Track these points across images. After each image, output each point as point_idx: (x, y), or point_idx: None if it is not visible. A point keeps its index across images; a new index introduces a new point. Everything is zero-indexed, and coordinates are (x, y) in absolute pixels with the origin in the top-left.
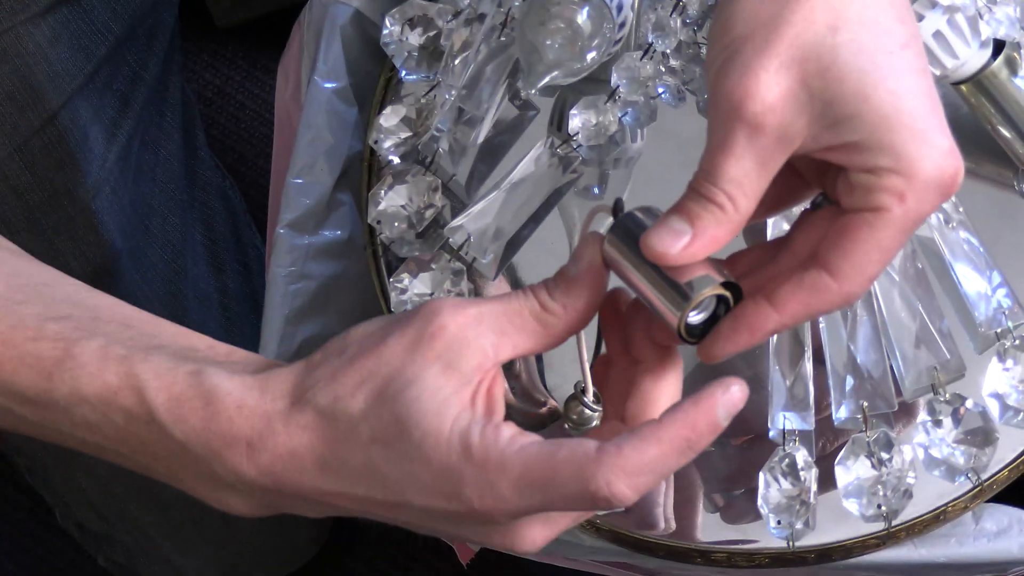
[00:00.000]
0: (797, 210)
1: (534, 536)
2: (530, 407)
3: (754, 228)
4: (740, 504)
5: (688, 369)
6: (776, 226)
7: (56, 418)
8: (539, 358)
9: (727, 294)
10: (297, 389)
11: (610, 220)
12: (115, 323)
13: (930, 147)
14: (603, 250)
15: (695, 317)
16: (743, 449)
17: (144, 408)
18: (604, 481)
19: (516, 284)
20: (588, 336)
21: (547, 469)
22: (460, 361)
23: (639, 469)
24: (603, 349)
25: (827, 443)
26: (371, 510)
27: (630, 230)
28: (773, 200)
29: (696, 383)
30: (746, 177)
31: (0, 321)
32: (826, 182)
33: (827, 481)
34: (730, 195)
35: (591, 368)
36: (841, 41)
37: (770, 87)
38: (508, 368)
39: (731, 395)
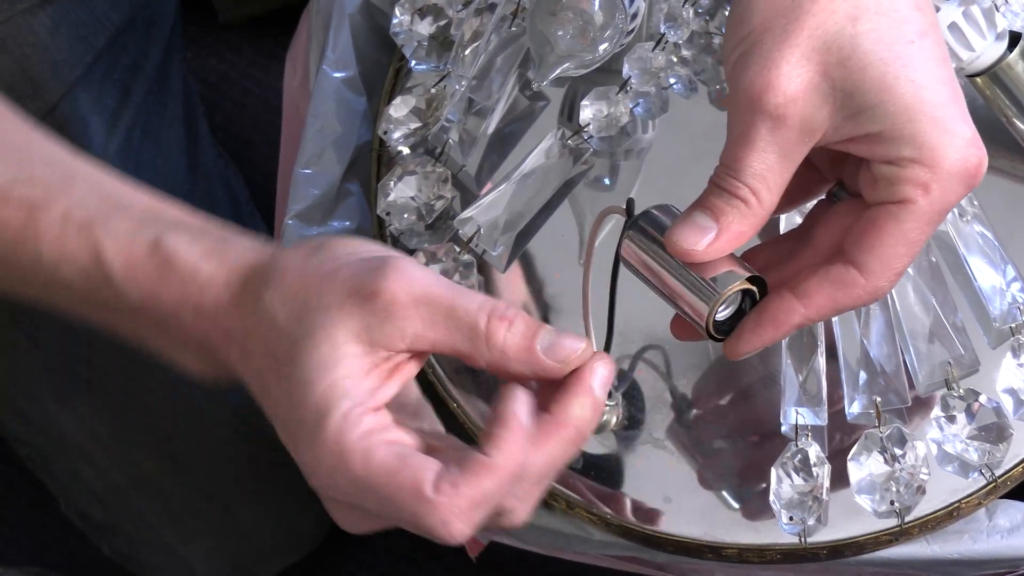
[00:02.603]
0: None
1: (347, 519)
2: None
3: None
4: (752, 500)
5: (698, 365)
6: (789, 220)
7: (24, 278)
8: None
9: (753, 288)
10: (252, 271)
11: (619, 220)
12: (86, 186)
13: (953, 136)
14: (621, 249)
15: (721, 314)
16: (755, 444)
17: (101, 272)
18: (440, 521)
19: (527, 276)
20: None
21: (385, 485)
22: (377, 331)
23: (475, 504)
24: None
25: (840, 439)
26: (267, 412)
27: (649, 228)
28: (789, 195)
29: (707, 378)
30: (769, 171)
31: None
32: (843, 174)
33: (840, 477)
34: (754, 189)
35: None
36: (861, 31)
37: (791, 78)
38: None
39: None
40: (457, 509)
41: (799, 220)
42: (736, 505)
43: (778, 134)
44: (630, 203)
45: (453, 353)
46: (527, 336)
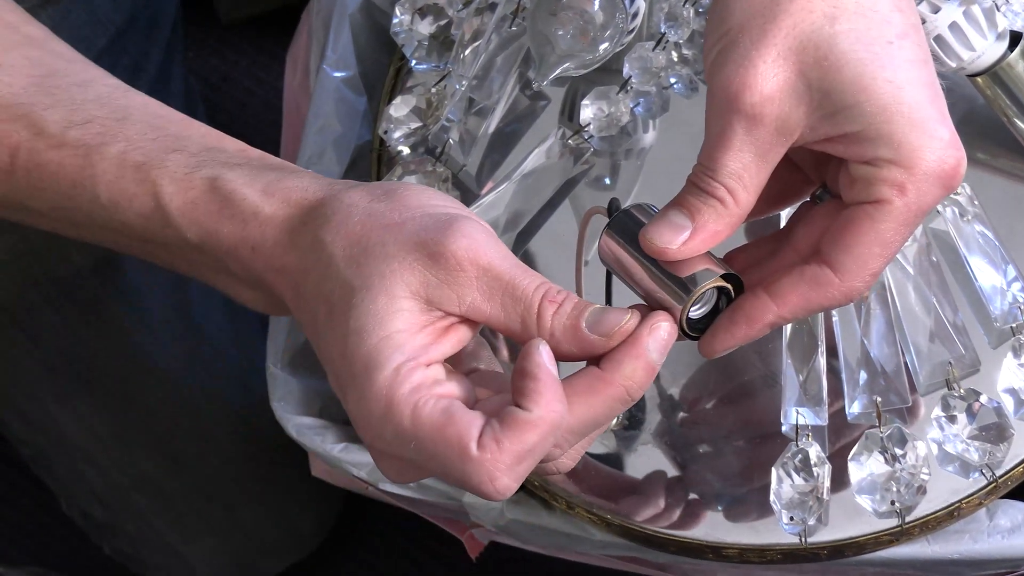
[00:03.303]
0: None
1: (389, 468)
2: None
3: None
4: (753, 500)
5: (698, 364)
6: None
7: (81, 220)
8: None
9: (728, 286)
10: (312, 208)
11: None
12: (141, 124)
13: (930, 137)
14: (600, 247)
15: (696, 312)
16: (756, 444)
17: (160, 212)
18: (487, 478)
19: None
20: None
21: (431, 441)
22: (436, 291)
23: (520, 458)
24: None
25: (840, 439)
26: (318, 355)
27: (627, 226)
28: (774, 196)
29: (707, 377)
30: (745, 170)
31: (27, 128)
32: (827, 175)
33: (840, 477)
34: (730, 188)
35: None
36: (839, 30)
37: (767, 78)
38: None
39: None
40: (503, 465)
41: None
42: (737, 505)
43: (754, 134)
44: (613, 202)
45: (505, 331)
46: (573, 316)
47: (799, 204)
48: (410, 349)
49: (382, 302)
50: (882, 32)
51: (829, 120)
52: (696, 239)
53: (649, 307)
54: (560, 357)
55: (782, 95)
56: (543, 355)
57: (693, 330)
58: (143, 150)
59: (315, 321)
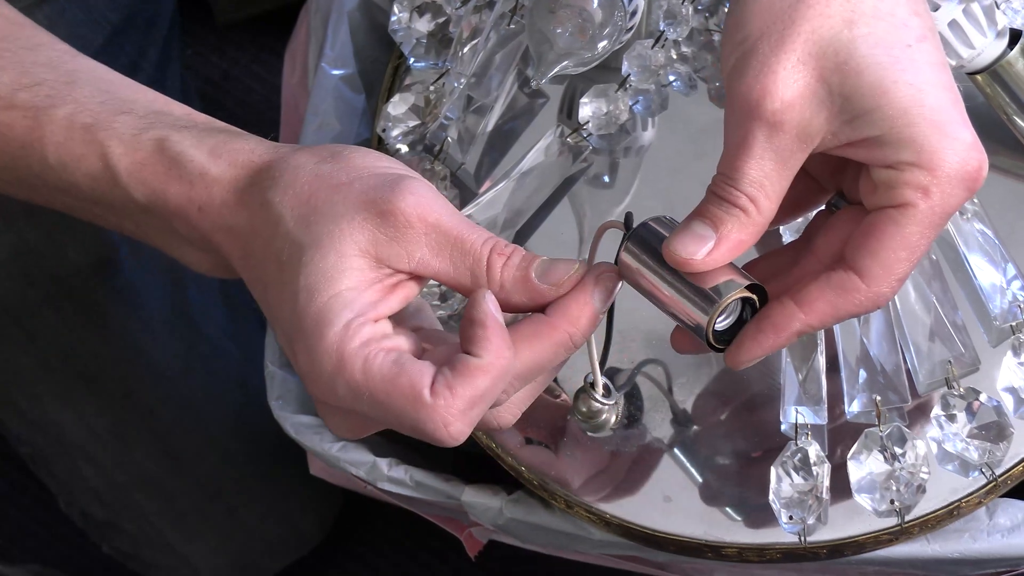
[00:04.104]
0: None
1: (338, 424)
2: (541, 398)
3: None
4: (752, 499)
5: (696, 364)
6: (790, 234)
7: (31, 182)
8: None
9: (753, 296)
10: (260, 169)
11: (617, 231)
12: (90, 87)
13: (952, 140)
14: (620, 261)
15: (721, 324)
16: (755, 443)
17: (108, 173)
18: (441, 423)
19: None
20: (598, 330)
21: (383, 392)
22: (385, 248)
23: (472, 403)
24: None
25: (840, 437)
26: (266, 314)
27: (647, 239)
28: (788, 206)
29: (706, 377)
30: (767, 178)
31: None
32: (843, 182)
33: (840, 476)
34: (752, 197)
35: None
36: (858, 35)
37: (788, 84)
38: None
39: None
40: (455, 410)
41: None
42: (736, 504)
43: (775, 140)
44: (628, 217)
45: (454, 285)
46: (522, 267)
47: (815, 213)
48: (359, 306)
49: (331, 260)
50: (901, 36)
51: (850, 125)
52: (720, 250)
53: (675, 320)
54: (510, 308)
55: (803, 101)
56: (489, 304)
57: (718, 342)
58: (91, 112)
59: (264, 280)
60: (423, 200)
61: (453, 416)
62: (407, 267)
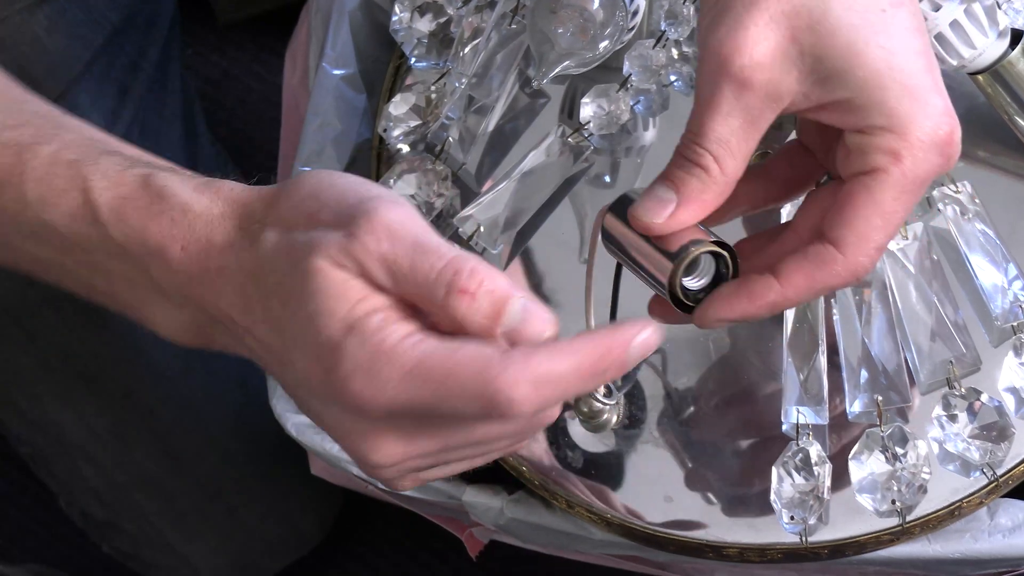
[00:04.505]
0: None
1: (389, 450)
2: None
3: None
4: (753, 499)
5: (699, 364)
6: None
7: (7, 230)
8: None
9: (722, 252)
10: (247, 209)
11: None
12: (75, 132)
13: (924, 104)
14: (602, 233)
15: (694, 283)
16: (756, 443)
17: (88, 209)
18: (509, 382)
19: (527, 274)
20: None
21: (446, 363)
22: (365, 262)
23: (546, 378)
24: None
25: (841, 437)
26: (270, 362)
27: (624, 209)
28: (789, 183)
29: (708, 376)
30: (733, 135)
31: None
32: (829, 160)
33: (841, 476)
34: (716, 155)
35: None
36: None
37: (758, 42)
38: None
39: (646, 337)
40: (529, 374)
41: None
42: (737, 504)
43: (744, 99)
44: (623, 196)
45: (420, 303)
46: (490, 317)
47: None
48: (380, 305)
49: (330, 281)
50: (876, 0)
51: (821, 86)
52: (682, 211)
53: (649, 286)
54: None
55: (773, 60)
56: (649, 336)
57: (692, 302)
58: (77, 150)
59: (270, 316)
60: (380, 225)
61: (523, 378)
62: (389, 283)
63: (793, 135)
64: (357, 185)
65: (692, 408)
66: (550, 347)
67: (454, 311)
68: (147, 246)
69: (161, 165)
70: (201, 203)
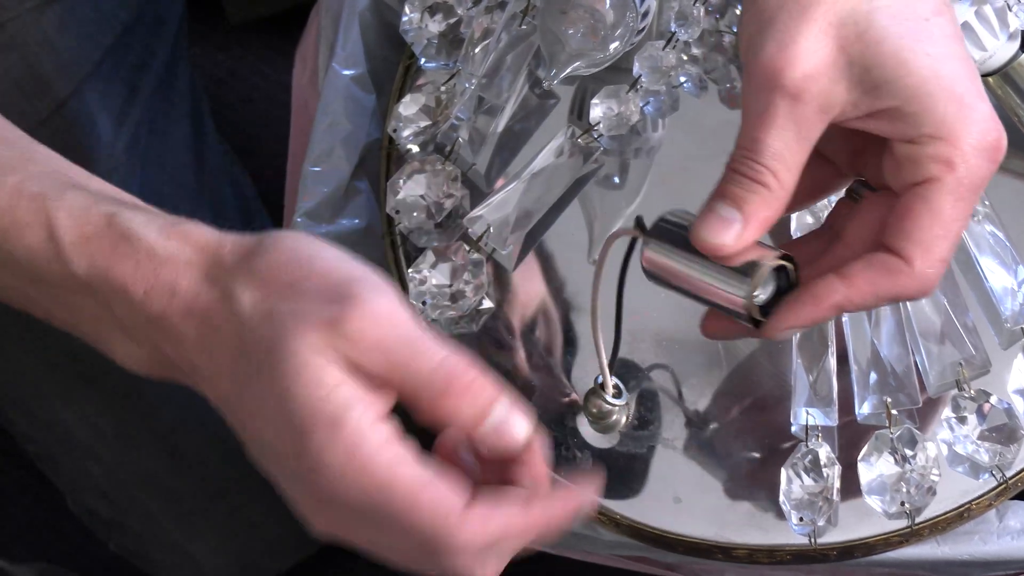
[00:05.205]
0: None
1: (327, 518)
2: (553, 399)
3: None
4: (762, 500)
5: (708, 365)
6: (800, 220)
7: None
8: (563, 352)
9: (788, 265)
10: (215, 258)
11: (625, 237)
12: (44, 165)
13: (971, 110)
14: (645, 259)
15: (760, 297)
16: (765, 445)
17: (51, 244)
18: (460, 544)
19: (536, 274)
20: (607, 332)
21: (414, 496)
22: (353, 354)
23: (493, 543)
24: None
25: (850, 439)
26: (228, 413)
27: (669, 233)
28: (806, 190)
29: (717, 378)
30: (787, 149)
31: None
32: (864, 167)
33: (850, 478)
34: (773, 170)
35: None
36: (877, 6)
37: (809, 54)
38: (531, 360)
39: (587, 507)
40: (481, 540)
41: (810, 220)
42: (746, 505)
43: (797, 111)
44: (639, 220)
45: (408, 398)
46: (476, 418)
47: (837, 202)
48: (359, 396)
49: (308, 359)
50: (917, 10)
51: (870, 95)
52: (748, 229)
53: (709, 305)
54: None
55: (824, 71)
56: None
57: (762, 316)
58: (41, 184)
59: (236, 373)
60: (372, 307)
61: (476, 546)
62: (377, 371)
63: None
64: (342, 262)
65: (702, 409)
66: (507, 512)
67: (445, 409)
68: (111, 284)
69: (127, 202)
70: (168, 248)
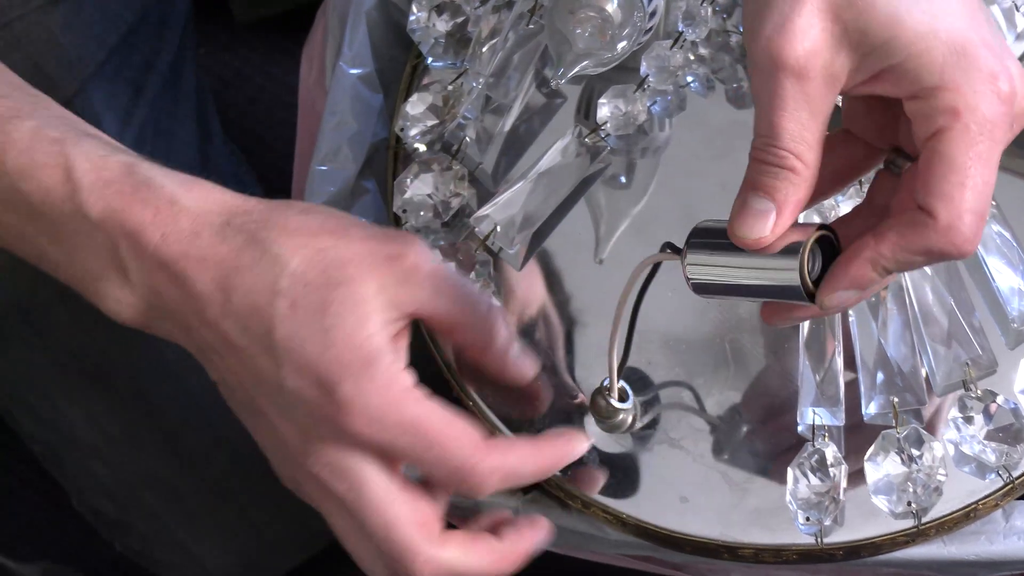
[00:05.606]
0: (830, 202)
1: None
2: (559, 398)
3: None
4: (769, 500)
5: (713, 364)
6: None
7: None
8: (569, 352)
9: (828, 234)
10: (236, 212)
11: (636, 255)
12: (55, 111)
13: (973, 57)
14: (688, 272)
15: (811, 274)
16: (772, 444)
17: (67, 187)
18: (487, 469)
19: (542, 275)
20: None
21: (441, 429)
22: (394, 291)
23: (513, 473)
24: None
25: (857, 439)
26: (227, 361)
27: (705, 239)
28: (839, 173)
29: (723, 377)
30: (805, 129)
31: None
32: (898, 137)
33: (857, 477)
34: (797, 153)
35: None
36: None
37: (807, 31)
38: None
39: (580, 448)
40: (504, 466)
41: (816, 219)
42: (753, 505)
43: (805, 88)
44: (669, 244)
45: (447, 321)
46: (511, 336)
47: (876, 176)
48: (388, 344)
49: (356, 301)
50: None
51: (870, 58)
52: (784, 216)
53: (766, 298)
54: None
55: (824, 44)
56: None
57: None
58: (59, 129)
59: (271, 310)
60: (424, 248)
61: (497, 469)
62: (412, 309)
63: None
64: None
65: (708, 409)
66: (521, 449)
67: (494, 324)
68: (124, 228)
69: (140, 156)
70: (189, 198)
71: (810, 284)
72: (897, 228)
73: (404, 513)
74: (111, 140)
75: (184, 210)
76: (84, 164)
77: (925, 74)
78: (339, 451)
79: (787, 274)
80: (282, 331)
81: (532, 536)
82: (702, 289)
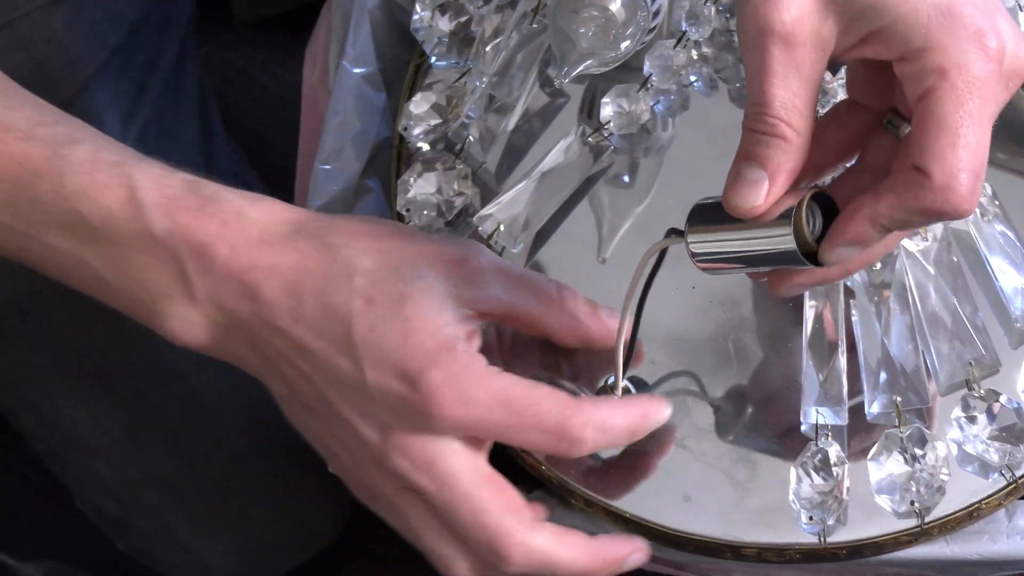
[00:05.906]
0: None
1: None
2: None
3: None
4: (772, 499)
5: (718, 363)
6: None
7: (33, 218)
8: (572, 351)
9: (822, 193)
10: (302, 222)
11: (638, 246)
12: (107, 138)
13: (958, 16)
14: (692, 254)
15: (812, 234)
16: (775, 443)
17: (130, 206)
18: (580, 423)
19: (545, 273)
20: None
21: (530, 396)
22: (465, 291)
23: (606, 427)
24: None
25: (860, 438)
26: (301, 380)
27: (704, 215)
28: (846, 142)
29: (727, 376)
30: (796, 95)
31: None
32: (895, 101)
33: (860, 477)
34: (788, 120)
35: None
36: None
37: None
38: (543, 358)
39: (664, 411)
40: (597, 421)
41: None
42: (756, 504)
43: (794, 55)
44: (672, 229)
45: (524, 315)
46: (588, 303)
47: (878, 137)
48: (464, 334)
49: (432, 299)
50: None
51: (857, 22)
52: (777, 184)
53: (769, 267)
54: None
55: (811, 10)
56: (666, 410)
57: (810, 260)
58: (116, 151)
59: (346, 310)
60: (483, 249)
61: (591, 423)
62: (485, 307)
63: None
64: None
65: (711, 408)
66: (609, 403)
67: (568, 301)
68: (190, 243)
69: (200, 174)
70: (256, 210)
71: (810, 242)
72: (895, 188)
73: (494, 498)
74: (167, 163)
75: (252, 222)
76: (147, 183)
77: (911, 35)
78: (424, 442)
79: (786, 238)
80: (360, 327)
81: (627, 546)
82: (705, 264)
